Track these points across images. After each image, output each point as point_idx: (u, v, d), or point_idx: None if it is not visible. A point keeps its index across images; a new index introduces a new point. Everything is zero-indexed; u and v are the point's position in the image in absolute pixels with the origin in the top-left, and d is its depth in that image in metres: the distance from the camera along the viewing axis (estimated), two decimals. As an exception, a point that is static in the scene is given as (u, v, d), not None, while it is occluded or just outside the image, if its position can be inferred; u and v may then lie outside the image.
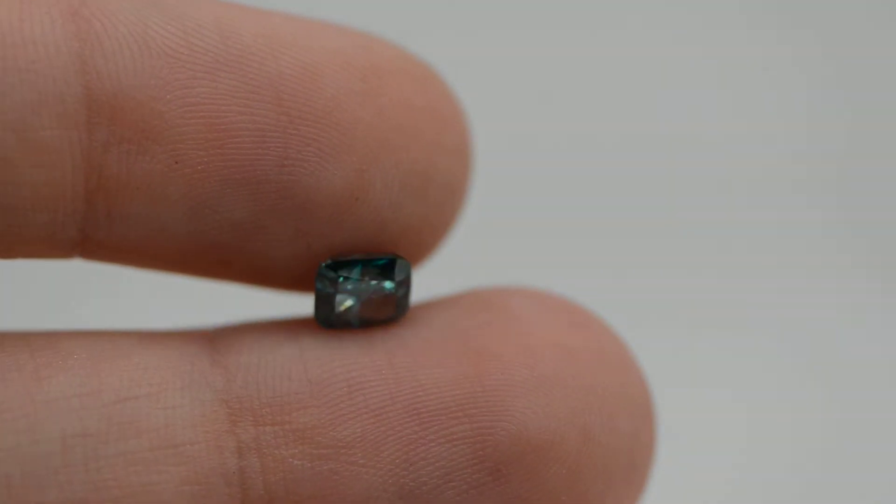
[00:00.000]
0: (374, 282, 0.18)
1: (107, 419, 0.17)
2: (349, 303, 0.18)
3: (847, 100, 0.47)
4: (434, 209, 0.19)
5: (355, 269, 0.18)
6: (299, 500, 0.17)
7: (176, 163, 0.17)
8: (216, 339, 0.18)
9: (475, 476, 0.17)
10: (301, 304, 0.20)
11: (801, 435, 0.41)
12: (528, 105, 0.46)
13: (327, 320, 0.18)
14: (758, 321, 0.43)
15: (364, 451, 0.17)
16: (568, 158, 0.45)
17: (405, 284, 0.19)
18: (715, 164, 0.46)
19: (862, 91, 0.48)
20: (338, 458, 0.17)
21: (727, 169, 0.46)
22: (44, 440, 0.17)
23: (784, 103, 0.47)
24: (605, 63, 0.47)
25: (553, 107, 0.46)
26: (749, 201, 0.46)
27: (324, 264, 0.18)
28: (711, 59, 0.48)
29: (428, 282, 0.21)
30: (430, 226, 0.19)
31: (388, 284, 0.18)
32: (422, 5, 0.46)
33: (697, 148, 0.46)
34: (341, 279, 0.18)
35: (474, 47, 0.45)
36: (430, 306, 0.19)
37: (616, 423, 0.18)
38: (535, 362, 0.18)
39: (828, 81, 0.48)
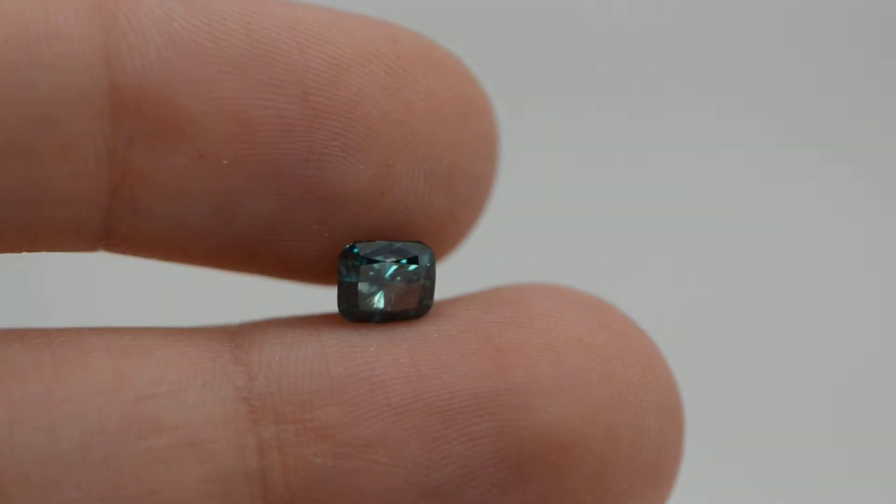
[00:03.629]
0: (397, 266, 0.18)
1: (127, 417, 0.17)
2: (372, 289, 0.18)
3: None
4: (460, 201, 0.19)
5: (379, 253, 0.18)
6: (321, 498, 0.17)
7: (201, 157, 0.17)
8: (238, 335, 0.18)
9: (497, 475, 0.17)
10: (324, 296, 0.20)
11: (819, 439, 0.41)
12: (563, 100, 0.46)
13: (350, 310, 0.18)
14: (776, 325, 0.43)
15: (386, 450, 0.17)
16: (596, 154, 0.45)
17: (430, 273, 0.18)
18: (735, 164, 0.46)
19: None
20: (360, 456, 0.17)
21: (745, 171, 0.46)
22: (63, 438, 0.16)
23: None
24: (640, 55, 0.47)
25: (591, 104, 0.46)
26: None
27: (347, 247, 0.18)
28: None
29: (451, 277, 0.21)
30: (456, 218, 0.19)
31: (412, 268, 0.18)
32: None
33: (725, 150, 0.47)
34: (363, 262, 0.18)
35: (501, 36, 0.45)
36: (454, 302, 0.19)
37: (641, 421, 0.18)
38: (559, 360, 0.18)
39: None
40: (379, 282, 0.18)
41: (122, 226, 0.18)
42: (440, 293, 0.19)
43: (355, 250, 0.18)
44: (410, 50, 0.18)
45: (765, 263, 0.44)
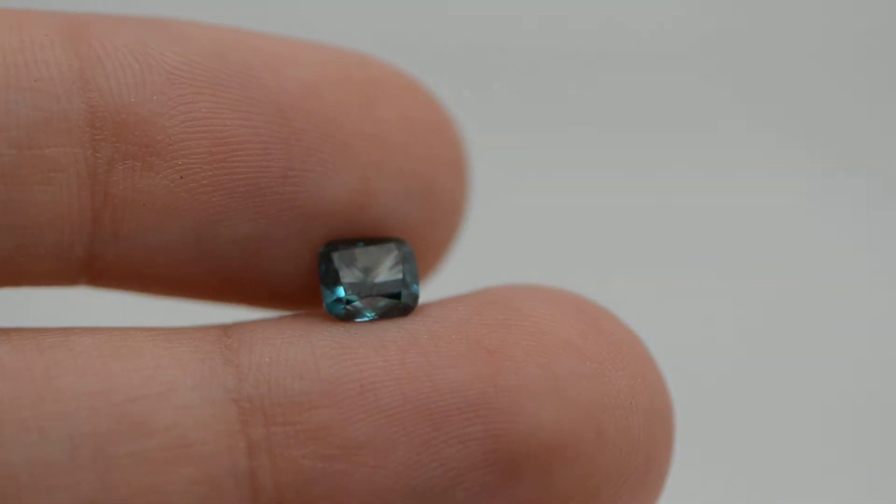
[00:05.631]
0: (373, 247, 0.19)
1: (116, 419, 0.17)
2: (351, 267, 0.19)
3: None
4: (436, 220, 0.19)
5: (357, 244, 0.19)
6: (310, 501, 0.17)
7: (181, 178, 0.18)
8: (228, 335, 0.18)
9: (486, 477, 0.17)
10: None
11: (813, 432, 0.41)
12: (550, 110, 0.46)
13: (335, 305, 0.18)
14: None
15: (375, 452, 0.17)
16: (590, 153, 0.45)
17: (409, 257, 0.19)
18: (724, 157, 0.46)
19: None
20: (349, 458, 0.17)
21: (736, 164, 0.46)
22: (52, 440, 0.16)
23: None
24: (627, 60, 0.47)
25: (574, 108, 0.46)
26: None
27: (324, 246, 0.19)
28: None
29: (441, 277, 0.21)
30: (436, 232, 0.19)
31: (390, 252, 0.19)
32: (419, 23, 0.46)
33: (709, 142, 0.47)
34: (341, 249, 0.19)
35: (492, 43, 0.46)
36: (444, 304, 0.19)
37: (631, 423, 0.18)
38: (549, 362, 0.18)
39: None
40: (362, 269, 0.18)
41: (104, 252, 0.18)
42: (432, 296, 0.19)
43: (331, 246, 0.19)
44: (379, 72, 0.19)
45: (755, 265, 0.44)
